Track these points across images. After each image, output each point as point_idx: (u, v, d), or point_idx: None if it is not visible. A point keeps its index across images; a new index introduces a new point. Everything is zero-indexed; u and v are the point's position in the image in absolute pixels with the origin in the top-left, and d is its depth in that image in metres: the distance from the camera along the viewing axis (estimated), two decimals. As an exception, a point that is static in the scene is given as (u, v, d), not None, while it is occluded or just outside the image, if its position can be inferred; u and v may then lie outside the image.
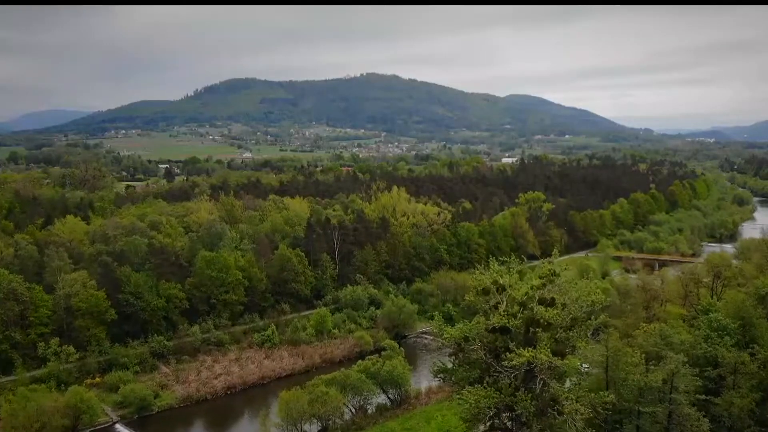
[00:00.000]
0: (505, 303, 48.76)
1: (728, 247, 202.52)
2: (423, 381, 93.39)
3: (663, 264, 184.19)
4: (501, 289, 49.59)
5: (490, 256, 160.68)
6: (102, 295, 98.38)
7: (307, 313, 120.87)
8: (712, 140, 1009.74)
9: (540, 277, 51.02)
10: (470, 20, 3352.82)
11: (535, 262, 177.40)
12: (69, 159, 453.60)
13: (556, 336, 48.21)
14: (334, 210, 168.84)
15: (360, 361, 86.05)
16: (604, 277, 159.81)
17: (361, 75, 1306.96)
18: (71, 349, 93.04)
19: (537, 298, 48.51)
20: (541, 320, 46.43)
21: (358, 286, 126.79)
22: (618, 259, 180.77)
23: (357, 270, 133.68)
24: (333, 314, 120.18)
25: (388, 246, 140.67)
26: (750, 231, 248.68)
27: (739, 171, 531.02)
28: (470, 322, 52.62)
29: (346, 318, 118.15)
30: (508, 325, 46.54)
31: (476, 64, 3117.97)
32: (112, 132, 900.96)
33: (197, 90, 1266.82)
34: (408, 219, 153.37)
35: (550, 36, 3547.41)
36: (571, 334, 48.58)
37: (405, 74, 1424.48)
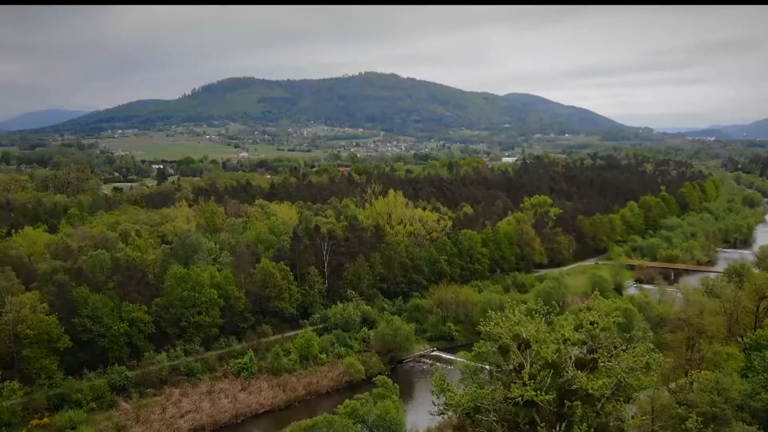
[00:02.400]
0: (529, 364, 36.36)
1: (747, 254, 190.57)
2: (421, 420, 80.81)
3: (678, 273, 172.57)
4: (525, 345, 37.19)
5: (495, 266, 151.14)
6: (53, 319, 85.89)
7: (291, 334, 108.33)
8: (712, 139, 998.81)
9: (576, 329, 38.57)
10: (469, 19, 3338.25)
11: (543, 271, 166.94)
12: (59, 160, 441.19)
13: (598, 408, 35.80)
14: (325, 217, 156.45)
15: (348, 401, 73.34)
16: (619, 292, 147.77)
17: (360, 74, 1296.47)
18: (16, 384, 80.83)
19: (573, 357, 36.02)
20: (580, 390, 34.04)
21: (350, 303, 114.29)
22: (631, 267, 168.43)
23: (348, 284, 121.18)
24: (321, 335, 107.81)
25: (382, 257, 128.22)
26: (765, 236, 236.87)
27: (744, 171, 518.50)
28: (480, 380, 40.09)
29: (336, 340, 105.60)
30: (535, 399, 34.22)
31: (475, 63, 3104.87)
32: (109, 132, 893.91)
33: (195, 89, 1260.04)
34: (405, 227, 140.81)
35: (548, 35, 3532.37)
36: (617, 405, 36.13)
37: (404, 73, 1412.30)
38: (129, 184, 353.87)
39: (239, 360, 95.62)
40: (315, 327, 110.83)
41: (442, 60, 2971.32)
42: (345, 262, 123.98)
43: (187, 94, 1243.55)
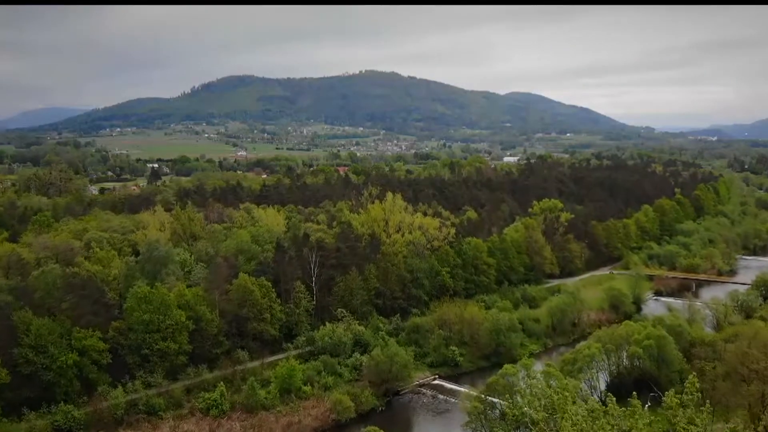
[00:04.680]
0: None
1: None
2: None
3: (699, 284, 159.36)
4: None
5: (502, 278, 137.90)
6: (-13, 351, 72.90)
7: (273, 359, 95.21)
8: (714, 138, 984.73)
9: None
10: (470, 19, 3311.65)
11: (554, 282, 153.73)
12: (50, 158, 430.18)
13: None
14: (317, 223, 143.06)
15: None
16: (638, 306, 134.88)
17: (360, 72, 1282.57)
18: (-64, 430, 67.85)
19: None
20: None
21: (340, 324, 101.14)
22: (649, 278, 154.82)
23: (339, 301, 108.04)
24: (306, 361, 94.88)
25: (378, 270, 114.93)
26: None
27: (751, 171, 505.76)
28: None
29: (323, 368, 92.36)
30: None
31: (476, 62, 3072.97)
32: (108, 130, 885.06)
33: (194, 87, 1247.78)
34: (403, 236, 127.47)
35: (549, 34, 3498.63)
36: None
37: (404, 72, 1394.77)
38: (122, 183, 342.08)
39: (209, 395, 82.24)
40: (300, 351, 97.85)
41: (443, 59, 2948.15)
42: (336, 275, 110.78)
43: (186, 93, 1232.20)
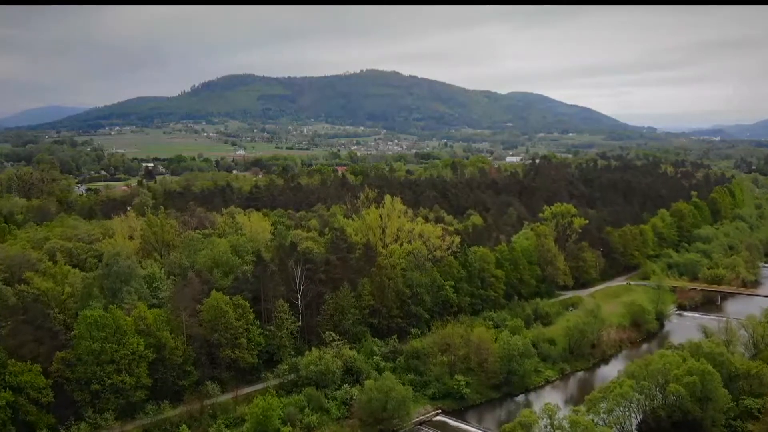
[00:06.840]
0: None
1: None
2: None
3: (723, 296, 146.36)
4: None
5: (511, 291, 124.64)
6: None
7: (249, 390, 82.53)
8: (717, 138, 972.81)
9: None
10: (471, 18, 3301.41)
11: (568, 294, 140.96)
12: (41, 158, 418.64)
13: None
14: (307, 230, 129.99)
15: None
16: (660, 322, 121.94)
17: (361, 71, 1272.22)
18: None
19: None
20: None
21: (328, 350, 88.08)
22: (671, 289, 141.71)
23: (328, 321, 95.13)
24: (289, 393, 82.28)
25: (373, 285, 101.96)
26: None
27: (760, 172, 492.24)
28: None
29: (306, 403, 79.47)
30: None
31: (477, 61, 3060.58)
32: (107, 129, 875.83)
33: (195, 86, 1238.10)
34: (402, 245, 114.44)
35: (550, 34, 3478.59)
36: None
37: (405, 71, 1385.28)
38: (104, 184, 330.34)
39: (169, 439, 69.51)
40: (281, 380, 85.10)
41: (444, 58, 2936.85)
42: (325, 291, 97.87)
43: (186, 91, 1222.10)
